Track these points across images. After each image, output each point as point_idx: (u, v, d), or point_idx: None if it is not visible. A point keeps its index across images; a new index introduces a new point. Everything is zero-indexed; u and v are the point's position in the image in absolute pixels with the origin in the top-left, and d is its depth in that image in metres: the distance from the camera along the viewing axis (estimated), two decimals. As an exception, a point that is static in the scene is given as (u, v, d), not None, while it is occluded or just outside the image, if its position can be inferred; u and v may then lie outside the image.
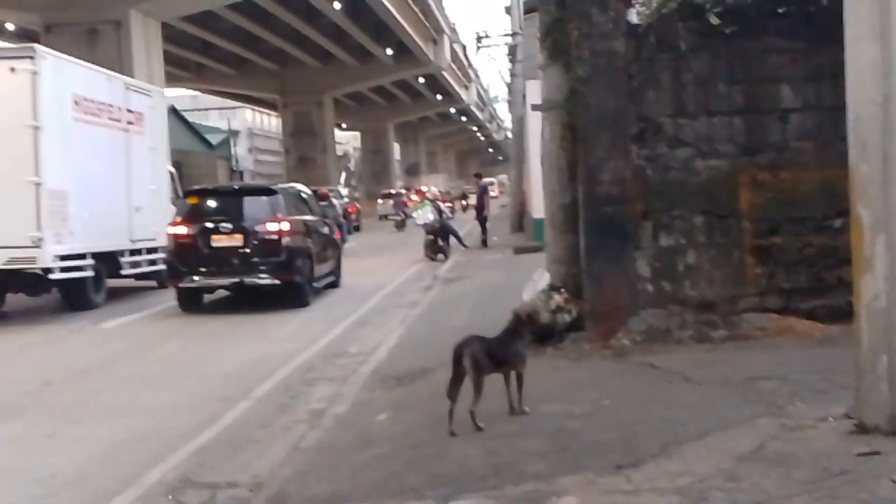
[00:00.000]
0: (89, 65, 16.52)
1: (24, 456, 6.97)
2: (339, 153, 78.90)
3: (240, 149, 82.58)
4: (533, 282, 9.79)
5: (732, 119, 8.82)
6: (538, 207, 21.32)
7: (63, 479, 6.33)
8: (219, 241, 14.63)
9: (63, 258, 14.37)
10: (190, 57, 51.30)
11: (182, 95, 76.80)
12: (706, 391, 6.87)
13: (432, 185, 57.05)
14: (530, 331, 6.82)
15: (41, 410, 8.48)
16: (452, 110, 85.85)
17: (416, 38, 52.44)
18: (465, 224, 31.61)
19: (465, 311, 12.90)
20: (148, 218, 17.23)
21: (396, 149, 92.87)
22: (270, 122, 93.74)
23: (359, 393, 8.25)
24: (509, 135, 57.60)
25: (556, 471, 5.23)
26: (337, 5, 41.65)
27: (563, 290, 8.94)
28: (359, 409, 7.60)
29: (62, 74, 14.78)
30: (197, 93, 72.86)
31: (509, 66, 34.20)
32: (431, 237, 23.33)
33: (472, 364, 6.17)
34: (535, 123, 22.10)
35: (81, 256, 14.88)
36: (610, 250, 8.58)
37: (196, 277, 14.64)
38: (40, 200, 13.84)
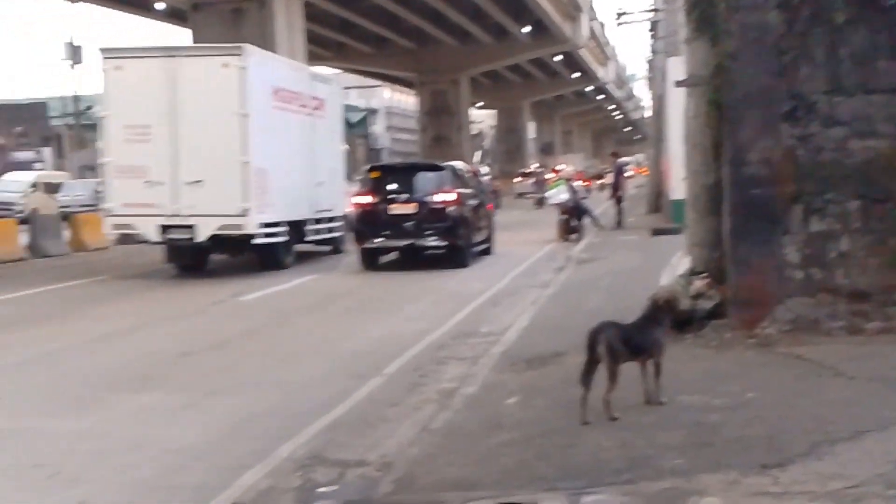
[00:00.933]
0: (284, 59, 19.70)
1: (159, 427, 7.10)
2: (474, 132, 78.87)
3: (377, 127, 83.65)
4: (672, 266, 9.42)
5: (893, 97, 8.21)
6: (676, 188, 20.71)
7: (195, 451, 6.41)
8: (396, 210, 17.27)
9: (264, 226, 16.73)
10: (331, 36, 52.06)
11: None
12: (859, 387, 6.43)
13: (568, 165, 56.37)
14: (669, 317, 6.51)
15: (177, 382, 8.66)
16: (589, 88, 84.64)
17: (554, 16, 51.79)
18: (600, 204, 31.05)
19: (600, 293, 12.58)
20: (327, 192, 19.90)
21: (531, 127, 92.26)
22: (408, 100, 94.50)
23: (489, 374, 8.09)
24: (647, 113, 56.40)
25: (696, 467, 4.95)
26: (475, -18, 41.53)
27: (704, 274, 8.57)
28: (489, 391, 7.44)
29: (263, 68, 17.24)
30: (338, 71, 74.07)
31: (650, 42, 33.37)
32: (565, 217, 22.96)
33: (607, 351, 5.92)
34: (675, 101, 21.40)
35: (277, 224, 17.27)
36: (756, 234, 8.13)
37: (377, 240, 17.31)
38: (247, 177, 16.23)
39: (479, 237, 18.78)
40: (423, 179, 17.81)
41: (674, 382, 6.51)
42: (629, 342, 6.07)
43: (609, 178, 30.98)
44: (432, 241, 17.21)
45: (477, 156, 75.65)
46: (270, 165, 16.95)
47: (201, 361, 9.60)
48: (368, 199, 17.54)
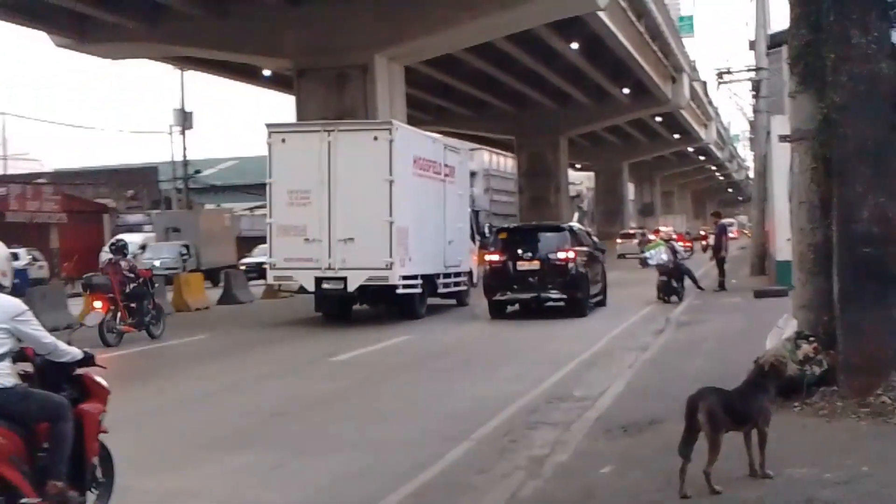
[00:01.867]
0: (422, 132, 22.32)
1: (246, 488, 6.98)
2: (573, 193, 78.53)
3: (476, 188, 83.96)
4: (778, 329, 8.95)
5: None
6: (781, 249, 20.04)
7: (282, 516, 6.26)
8: (522, 266, 19.17)
9: (404, 278, 18.76)
10: (431, 100, 52.72)
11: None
12: None
13: (670, 226, 55.49)
14: (775, 383, 6.12)
15: (269, 441, 8.56)
16: (690, 149, 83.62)
17: (655, 77, 51.47)
18: (702, 265, 30.31)
19: (701, 357, 12.10)
20: (455, 250, 22.15)
21: (630, 188, 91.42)
22: (506, 162, 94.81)
23: (582, 441, 7.76)
24: (750, 174, 55.16)
25: (807, 549, 4.55)
26: (574, 45, 41.53)
27: (812, 338, 8.10)
28: (582, 459, 7.11)
29: (406, 140, 19.49)
30: (438, 136, 74.91)
31: (752, 102, 32.70)
32: (665, 278, 22.40)
33: (708, 419, 5.56)
34: (779, 160, 20.83)
35: (415, 277, 19.36)
36: (869, 295, 7.66)
37: (505, 293, 19.29)
38: (392, 235, 18.26)
39: (594, 290, 20.70)
40: (546, 239, 19.95)
41: (780, 454, 6.10)
42: (732, 410, 5.70)
43: (711, 240, 30.22)
44: (554, 294, 19.23)
45: (575, 217, 75.19)
46: (411, 225, 19.11)
47: (294, 421, 9.49)
48: (497, 256, 19.59)
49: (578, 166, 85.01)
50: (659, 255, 22.73)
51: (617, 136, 72.79)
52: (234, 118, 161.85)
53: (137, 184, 52.40)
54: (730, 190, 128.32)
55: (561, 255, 19.16)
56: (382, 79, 33.34)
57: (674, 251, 22.79)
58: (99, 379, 5.94)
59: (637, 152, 79.55)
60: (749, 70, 30.64)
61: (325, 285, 18.57)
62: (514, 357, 13.90)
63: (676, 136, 73.56)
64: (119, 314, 16.19)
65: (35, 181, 45.62)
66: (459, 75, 46.91)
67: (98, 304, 15.97)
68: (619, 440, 7.67)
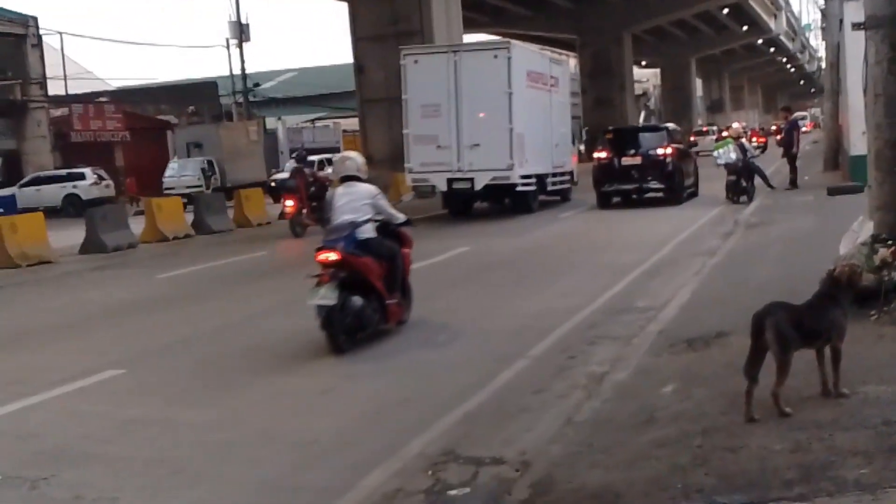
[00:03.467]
0: (534, 48, 26.61)
1: (290, 417, 6.78)
2: (638, 91, 76.58)
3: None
4: (852, 231, 8.38)
5: None
6: (856, 143, 19.14)
7: (323, 445, 6.05)
8: (626, 161, 22.30)
9: (522, 177, 21.80)
10: (488, 0, 51.35)
11: (483, 41, 77.60)
12: None
13: (743, 122, 53.45)
14: (850, 295, 5.64)
15: (320, 363, 8.31)
16: (759, 41, 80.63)
17: (721, -35, 49.42)
18: (773, 162, 29.29)
19: (770, 263, 11.55)
20: (561, 152, 25.35)
21: (698, 85, 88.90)
22: (569, 63, 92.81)
23: (644, 357, 7.39)
24: (823, 65, 53.00)
25: (887, 480, 4.15)
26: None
27: (890, 241, 7.55)
28: (642, 377, 6.76)
29: (521, 57, 22.34)
30: (497, 37, 73.37)
31: (825, -13, 31.06)
32: (734, 177, 21.60)
33: (776, 338, 5.11)
34: (853, 50, 19.69)
35: (530, 177, 22.35)
36: (953, 196, 7.07)
37: (612, 185, 22.46)
38: (512, 140, 21.22)
39: (688, 182, 23.42)
40: (646, 138, 23.42)
41: (857, 370, 5.66)
42: (802, 326, 5.23)
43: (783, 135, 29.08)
44: (654, 185, 22.29)
45: (641, 116, 73.51)
46: (526, 131, 21.90)
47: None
48: (604, 154, 22.73)
49: (644, 63, 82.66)
50: (728, 153, 21.89)
51: (683, 30, 70.41)
52: (293, 30, 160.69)
53: (198, 99, 52.21)
54: (801, 82, 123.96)
55: (660, 151, 22.24)
56: (436, -19, 32.49)
57: (743, 149, 21.91)
58: (408, 233, 9.72)
59: (704, 46, 77.05)
60: (821, -46, 28.96)
61: (455, 185, 21.48)
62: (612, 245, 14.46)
63: (745, 27, 70.91)
64: (304, 210, 19.74)
65: (97, 100, 45.68)
66: (517, -27, 45.57)
67: (289, 202, 20.06)
68: (682, 355, 7.28)
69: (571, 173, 26.37)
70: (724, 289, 10.04)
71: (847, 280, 5.55)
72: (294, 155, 22.07)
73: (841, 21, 22.64)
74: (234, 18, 47.14)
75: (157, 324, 10.93)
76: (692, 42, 74.57)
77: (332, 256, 8.67)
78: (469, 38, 45.42)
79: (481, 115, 21.22)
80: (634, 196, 22.66)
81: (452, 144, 21.22)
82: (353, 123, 48.75)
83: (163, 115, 50.03)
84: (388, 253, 9.13)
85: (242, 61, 48.69)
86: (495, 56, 21.43)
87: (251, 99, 52.25)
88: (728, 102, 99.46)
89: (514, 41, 23.12)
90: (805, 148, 32.13)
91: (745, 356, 5.34)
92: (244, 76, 49.61)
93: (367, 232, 9.01)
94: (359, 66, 33.56)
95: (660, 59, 78.26)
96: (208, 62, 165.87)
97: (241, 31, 48.22)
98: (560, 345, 8.43)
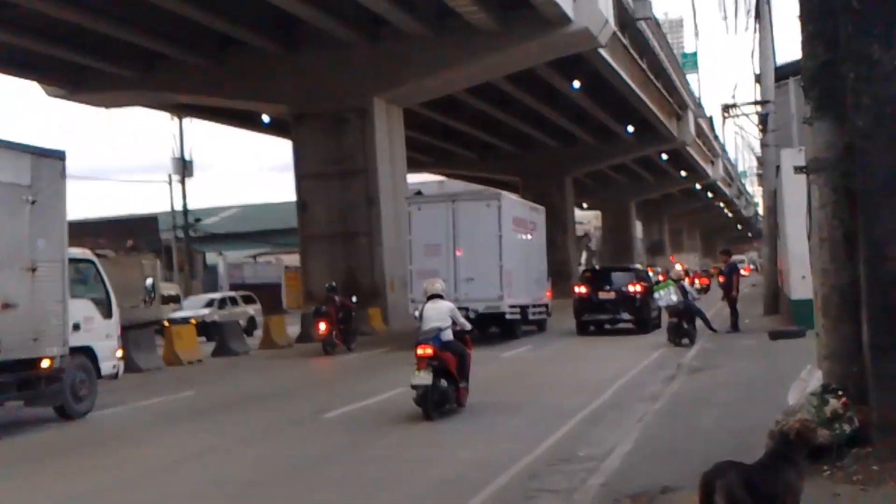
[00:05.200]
0: (519, 198, 30.97)
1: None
2: (580, 233, 77.67)
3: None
4: (801, 380, 8.05)
5: None
6: (796, 287, 19.20)
7: None
8: (602, 295, 26.10)
9: (510, 307, 24.69)
10: (433, 142, 52.17)
11: (430, 181, 78.69)
12: None
13: (682, 265, 54.19)
14: (803, 454, 5.23)
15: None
16: (698, 186, 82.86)
17: (660, 115, 50.89)
18: (713, 305, 29.38)
19: (716, 409, 11.17)
20: (539, 286, 28.58)
21: (639, 227, 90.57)
22: (543, 211, 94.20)
23: (586, 515, 6.86)
24: (759, 210, 54.17)
25: None
26: (577, 85, 40.93)
27: (840, 392, 7.21)
28: (584, 540, 6.22)
29: (508, 206, 25.55)
30: (441, 178, 74.41)
31: (759, 136, 31.91)
32: (675, 320, 21.50)
33: (727, 502, 4.66)
34: (790, 196, 20.06)
35: (516, 307, 25.30)
36: (904, 345, 6.78)
37: (590, 316, 26.33)
38: (502, 275, 24.17)
39: (654, 314, 26.10)
40: (618, 276, 27.17)
41: (814, 535, 5.19)
42: (755, 489, 4.80)
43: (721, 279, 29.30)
44: (625, 316, 25.84)
45: (583, 257, 74.27)
46: (511, 267, 24.81)
47: (271, 494, 8.56)
48: (584, 289, 26.54)
49: (585, 206, 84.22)
50: (668, 295, 21.86)
51: (623, 174, 72.10)
52: (236, 165, 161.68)
53: (138, 234, 51.61)
54: (739, 227, 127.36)
55: (630, 288, 25.93)
56: (381, 121, 32.82)
57: (684, 291, 21.89)
58: (469, 339, 13.23)
59: (644, 190, 78.86)
60: (756, 103, 29.87)
61: None
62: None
63: (683, 173, 72.86)
64: (335, 332, 23.30)
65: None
66: (461, 117, 46.39)
67: (322, 325, 23.25)
68: (626, 514, 6.77)
69: (547, 305, 29.25)
70: (668, 437, 9.59)
71: (799, 437, 5.17)
72: (327, 286, 25.28)
73: (778, 167, 23.14)
74: (177, 155, 47.08)
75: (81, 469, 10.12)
76: (632, 186, 76.26)
77: (429, 351, 12.00)
78: (413, 178, 45.87)
79: (459, 252, 24.25)
80: (607, 326, 26.20)
81: (451, 278, 23.31)
82: (295, 260, 48.41)
83: (100, 250, 49.19)
84: (461, 351, 12.60)
85: (184, 197, 48.46)
86: (488, 205, 24.78)
87: (193, 234, 51.80)
88: (668, 245, 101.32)
89: (504, 193, 27.25)
90: (744, 291, 32.39)
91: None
92: (185, 212, 49.29)
93: (448, 335, 12.45)
94: (302, 203, 33.43)
95: (601, 201, 79.83)
96: (151, 197, 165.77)
97: (183, 168, 48.15)
98: (499, 499, 7.84)
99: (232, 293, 38.63)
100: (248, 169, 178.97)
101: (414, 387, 11.90)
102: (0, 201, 12.31)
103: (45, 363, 13.11)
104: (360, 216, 32.08)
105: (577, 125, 51.27)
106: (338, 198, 32.42)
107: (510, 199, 27.58)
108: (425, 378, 11.78)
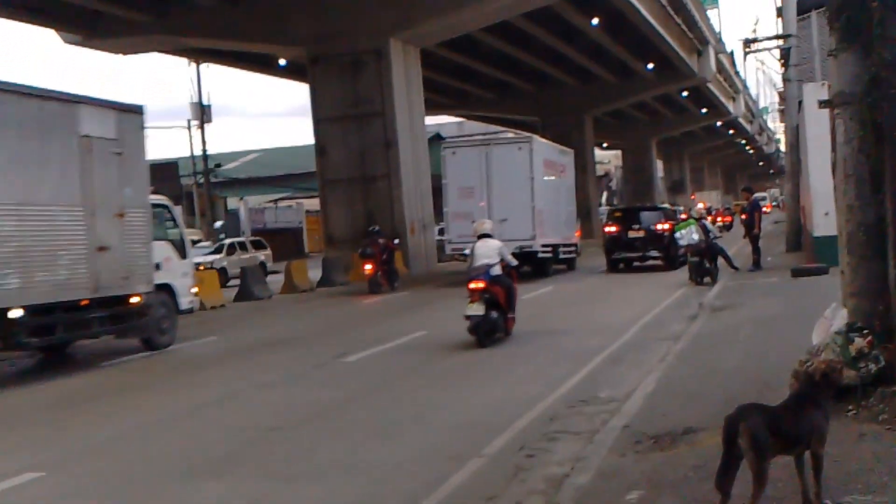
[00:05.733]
0: (548, 142, 30.43)
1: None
2: (600, 172, 77.12)
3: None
4: (825, 319, 7.92)
5: None
6: (819, 224, 18.97)
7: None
8: (631, 234, 27.20)
9: (542, 246, 25.85)
10: (451, 83, 51.64)
11: (450, 122, 78.14)
12: None
13: (704, 203, 53.72)
14: (829, 395, 5.14)
15: (257, 464, 7.68)
16: (719, 124, 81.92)
17: (680, 51, 50.06)
18: (734, 243, 29.17)
19: (738, 349, 11.08)
20: (569, 227, 30.09)
21: (659, 165, 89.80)
22: (572, 153, 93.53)
23: (607, 456, 6.82)
24: (781, 147, 53.55)
25: None
26: (595, 22, 40.31)
27: (866, 331, 7.10)
28: (605, 481, 6.18)
29: (539, 149, 26.77)
30: (460, 119, 73.82)
31: (781, 71, 31.33)
32: (696, 259, 21.36)
33: (751, 445, 4.59)
34: (812, 131, 19.72)
35: (547, 246, 26.43)
36: (932, 281, 6.64)
37: (619, 254, 27.42)
38: (534, 215, 25.44)
39: (679, 251, 25.97)
40: (647, 215, 28.18)
41: (839, 476, 5.16)
42: (779, 430, 4.73)
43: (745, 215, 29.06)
44: (654, 253, 27.20)
45: (603, 197, 73.85)
46: (544, 208, 26.13)
47: (291, 438, 8.60)
48: (613, 228, 27.77)
49: (605, 145, 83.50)
50: (690, 234, 21.69)
51: (643, 112, 71.31)
52: (256, 109, 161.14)
53: (157, 179, 51.62)
54: (761, 163, 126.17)
55: (658, 226, 27.07)
56: (398, 63, 32.45)
57: (705, 230, 21.71)
58: (515, 273, 14.30)
59: (664, 128, 78.01)
60: (777, 37, 29.27)
61: None
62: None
63: (704, 110, 71.96)
64: (379, 272, 24.56)
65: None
66: (479, 57, 45.82)
67: (368, 266, 24.60)
68: (648, 454, 6.73)
69: (576, 245, 30.67)
70: (690, 378, 9.53)
71: (825, 379, 5.07)
72: (370, 228, 26.50)
73: (800, 103, 22.71)
74: (195, 100, 46.89)
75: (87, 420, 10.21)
76: (653, 124, 75.49)
77: (480, 285, 13.11)
78: (431, 120, 45.61)
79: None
80: (636, 263, 27.37)
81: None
82: (316, 204, 48.40)
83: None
84: (508, 284, 13.68)
85: (204, 142, 48.32)
86: (520, 148, 25.93)
87: (213, 180, 51.77)
88: (689, 183, 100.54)
89: (535, 136, 28.42)
90: (766, 228, 32.12)
91: (716, 458, 4.82)
92: (205, 157, 49.18)
93: (496, 270, 13.53)
94: (320, 147, 33.24)
95: (621, 140, 79.07)
96: (171, 143, 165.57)
97: (202, 113, 47.96)
98: (518, 441, 7.83)
99: (241, 238, 39.84)
100: (267, 113, 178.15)
101: (468, 317, 13.02)
102: (92, 154, 13.71)
103: (134, 299, 14.65)
104: (378, 159, 31.86)
105: (596, 63, 50.59)
106: (356, 141, 32.19)
107: (541, 142, 28.46)
108: (478, 309, 12.96)
